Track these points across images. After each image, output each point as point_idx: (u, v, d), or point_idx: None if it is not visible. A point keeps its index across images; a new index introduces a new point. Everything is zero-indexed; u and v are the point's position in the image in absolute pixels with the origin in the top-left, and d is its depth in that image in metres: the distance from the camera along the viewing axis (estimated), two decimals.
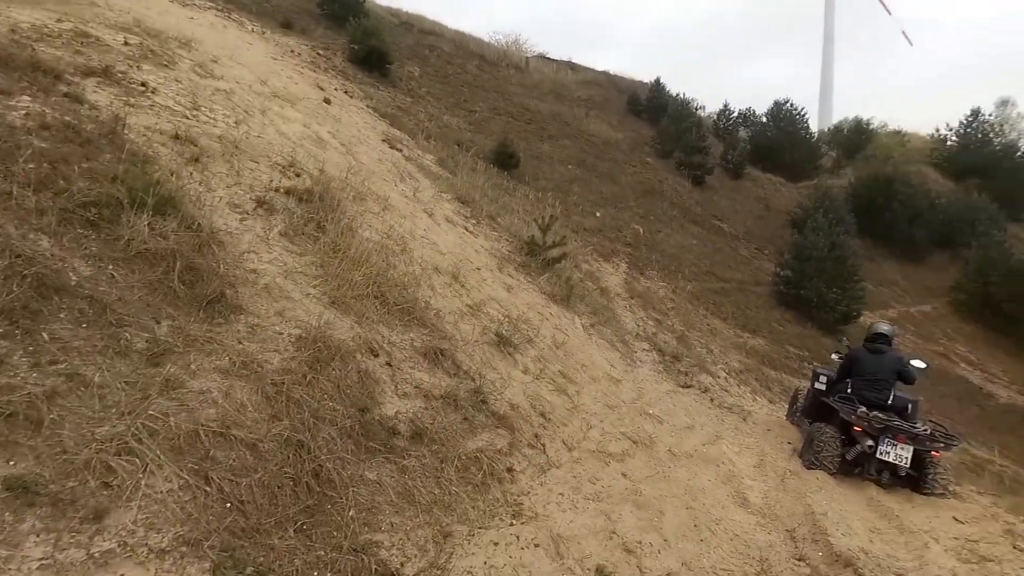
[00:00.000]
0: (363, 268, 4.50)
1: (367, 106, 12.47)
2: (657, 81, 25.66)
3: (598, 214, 14.82)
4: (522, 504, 3.91)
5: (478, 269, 6.68)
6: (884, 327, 6.38)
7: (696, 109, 26.14)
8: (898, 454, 5.36)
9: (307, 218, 4.58)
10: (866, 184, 20.45)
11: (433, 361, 4.58)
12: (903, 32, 41.81)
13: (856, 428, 5.57)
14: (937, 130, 27.96)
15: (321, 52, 15.12)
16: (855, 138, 27.71)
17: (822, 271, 14.16)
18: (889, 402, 5.95)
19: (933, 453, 5.45)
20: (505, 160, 14.51)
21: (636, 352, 8.38)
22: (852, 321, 14.31)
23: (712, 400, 7.75)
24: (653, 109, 24.30)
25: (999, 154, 25.40)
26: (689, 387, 7.94)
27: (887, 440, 5.41)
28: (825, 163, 25.31)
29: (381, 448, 3.60)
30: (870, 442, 5.44)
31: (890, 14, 39.77)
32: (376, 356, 4.10)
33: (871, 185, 20.21)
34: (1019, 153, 26.05)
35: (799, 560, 4.22)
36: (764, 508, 4.83)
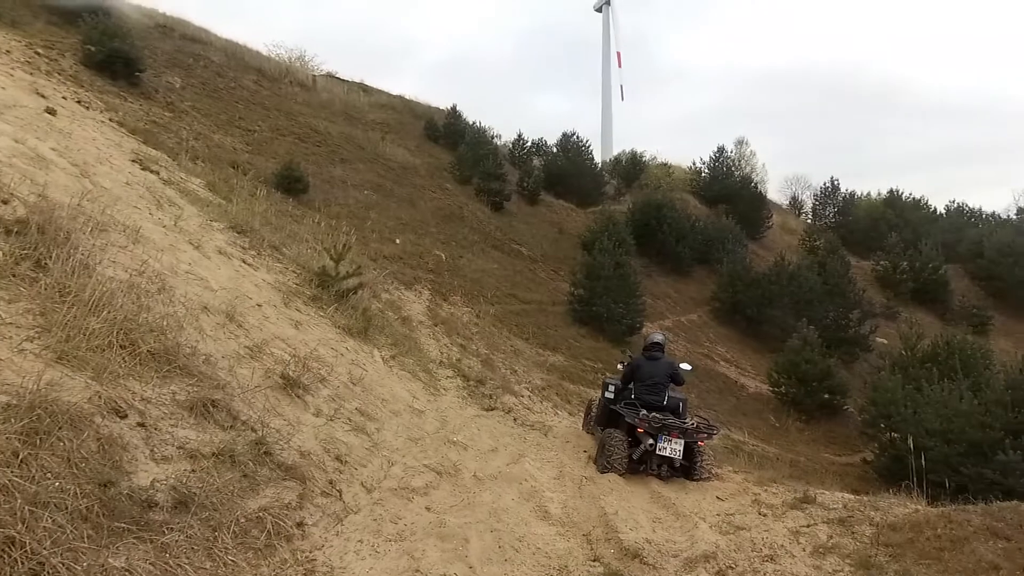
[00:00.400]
0: (103, 313, 3.79)
1: (110, 120, 10.84)
2: (454, 108, 26.21)
3: (398, 241, 14.60)
4: (315, 560, 3.54)
5: (259, 306, 6.09)
6: (658, 336, 6.99)
7: (492, 137, 27.15)
8: (673, 448, 5.87)
9: (19, 255, 3.75)
10: (641, 209, 22.72)
11: (202, 415, 4.00)
12: (620, 87, 47.02)
13: (639, 429, 5.98)
14: (693, 163, 32.32)
15: (41, 51, 12.87)
16: (632, 169, 30.75)
17: (610, 288, 15.34)
18: (664, 403, 6.53)
19: (699, 443, 6.07)
20: (291, 184, 13.72)
21: (440, 380, 8.27)
22: (636, 332, 15.68)
23: (516, 420, 7.88)
24: (451, 135, 24.74)
25: (738, 184, 29.89)
26: (494, 409, 8.01)
27: (663, 437, 5.89)
28: (608, 190, 27.68)
29: (132, 527, 3.00)
30: (651, 440, 5.87)
31: (620, 67, 44.64)
32: (123, 417, 3.46)
33: (645, 210, 22.49)
34: (752, 184, 30.97)
35: (594, 560, 4.39)
36: (563, 517, 4.97)
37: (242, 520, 3.43)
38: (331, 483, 4.30)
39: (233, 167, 12.16)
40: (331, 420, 5.06)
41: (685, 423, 6.21)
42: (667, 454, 5.86)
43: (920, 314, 22.56)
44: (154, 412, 3.65)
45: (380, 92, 26.71)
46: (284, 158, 15.13)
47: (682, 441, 5.88)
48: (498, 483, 5.38)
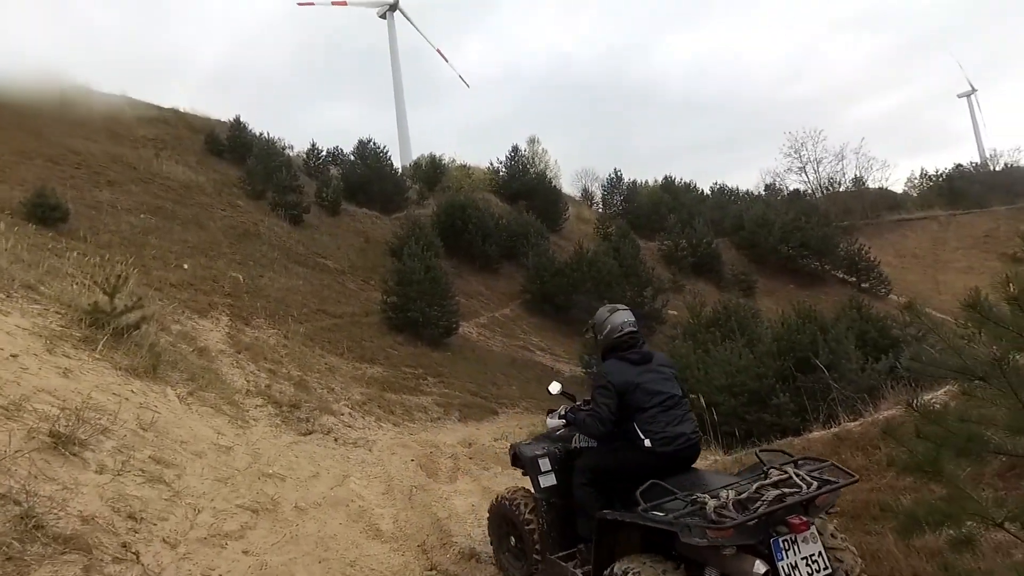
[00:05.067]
0: None
1: None
2: (238, 120, 24.42)
3: (186, 266, 13.29)
4: None
5: (13, 356, 5.21)
6: (628, 315, 4.37)
7: (284, 148, 25.83)
8: (811, 560, 4.94)
9: None
10: (446, 211, 23.06)
11: None
12: (460, 76, 49.10)
13: (724, 551, 4.99)
14: (491, 163, 33.47)
15: None
16: (432, 172, 30.97)
17: (422, 292, 15.38)
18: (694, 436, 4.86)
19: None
20: (46, 213, 11.88)
21: (248, 411, 7.70)
22: (454, 333, 15.93)
23: (336, 440, 7.63)
24: (236, 148, 23.04)
25: (535, 181, 31.59)
26: (312, 433, 7.66)
27: (784, 539, 4.56)
28: (411, 195, 27.59)
29: None
30: (763, 568, 5.17)
31: (447, 61, 46.06)
32: None
33: (450, 212, 22.87)
34: (547, 179, 33.00)
35: (431, 570, 4.44)
36: (396, 532, 4.95)
37: None
38: (124, 546, 3.83)
39: None
40: (119, 475, 4.49)
41: (804, 487, 3.09)
42: None
43: (701, 284, 25.68)
44: None
45: (148, 106, 24.04)
46: (33, 184, 13.02)
47: (819, 538, 3.07)
48: (323, 510, 5.19)
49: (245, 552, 4.23)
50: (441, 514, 5.18)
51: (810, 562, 2.97)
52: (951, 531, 3.50)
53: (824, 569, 3.00)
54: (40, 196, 12.20)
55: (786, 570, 2.90)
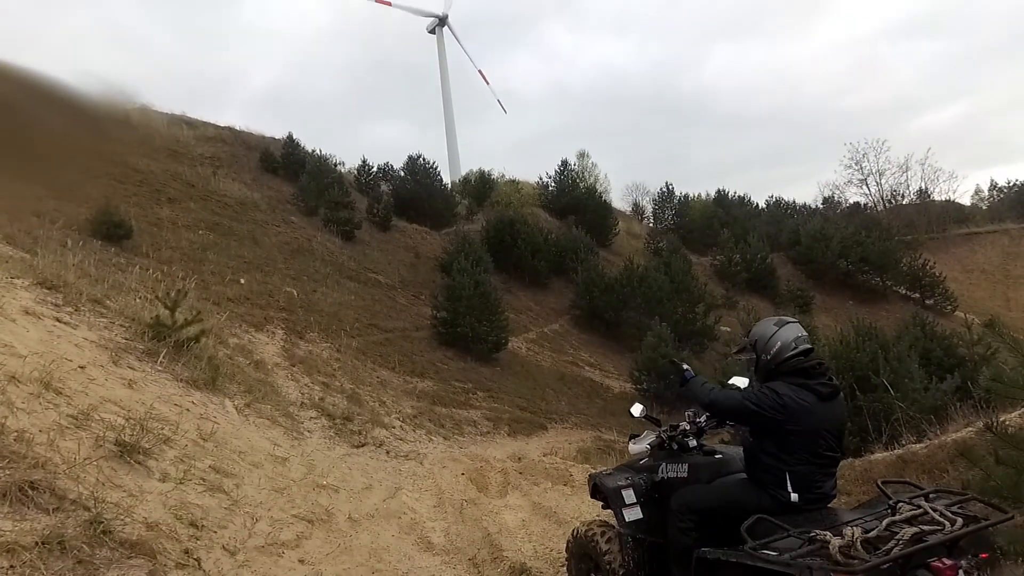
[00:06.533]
0: None
1: None
2: (290, 137, 25.11)
3: (243, 281, 13.70)
4: None
5: (82, 368, 5.41)
6: (799, 329, 3.86)
7: (335, 165, 26.38)
8: None
9: None
10: (495, 227, 23.24)
11: (18, 500, 3.47)
12: (499, 101, 50.34)
13: None
14: (540, 178, 33.51)
15: None
16: (481, 188, 31.24)
17: (472, 308, 15.46)
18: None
19: None
20: (111, 231, 12.43)
21: (303, 423, 7.82)
22: (503, 348, 15.92)
23: (388, 452, 7.67)
24: (290, 166, 23.71)
25: (584, 195, 31.45)
26: (364, 445, 7.73)
27: None
28: (461, 211, 27.88)
29: None
30: None
31: (488, 84, 46.92)
32: None
33: (499, 227, 23.04)
34: (597, 193, 32.81)
35: None
36: (447, 545, 4.92)
37: None
38: (187, 552, 3.89)
39: (37, 216, 10.73)
40: (181, 483, 4.59)
41: (948, 524, 2.64)
42: None
43: (755, 300, 25.02)
44: None
45: (206, 124, 24.99)
46: (98, 202, 13.65)
47: None
48: (375, 522, 5.19)
49: (301, 561, 4.26)
50: (492, 528, 5.13)
51: None
52: None
53: None
54: (104, 214, 12.77)
55: None
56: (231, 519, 4.55)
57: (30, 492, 3.55)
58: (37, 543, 3.24)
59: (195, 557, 3.89)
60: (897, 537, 2.53)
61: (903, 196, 40.37)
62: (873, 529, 2.61)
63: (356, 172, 27.59)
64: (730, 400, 3.23)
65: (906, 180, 40.40)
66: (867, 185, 41.01)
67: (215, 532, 4.28)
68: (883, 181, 40.56)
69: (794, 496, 3.05)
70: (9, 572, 2.97)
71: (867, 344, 9.51)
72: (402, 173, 28.06)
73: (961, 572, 2.52)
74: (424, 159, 27.85)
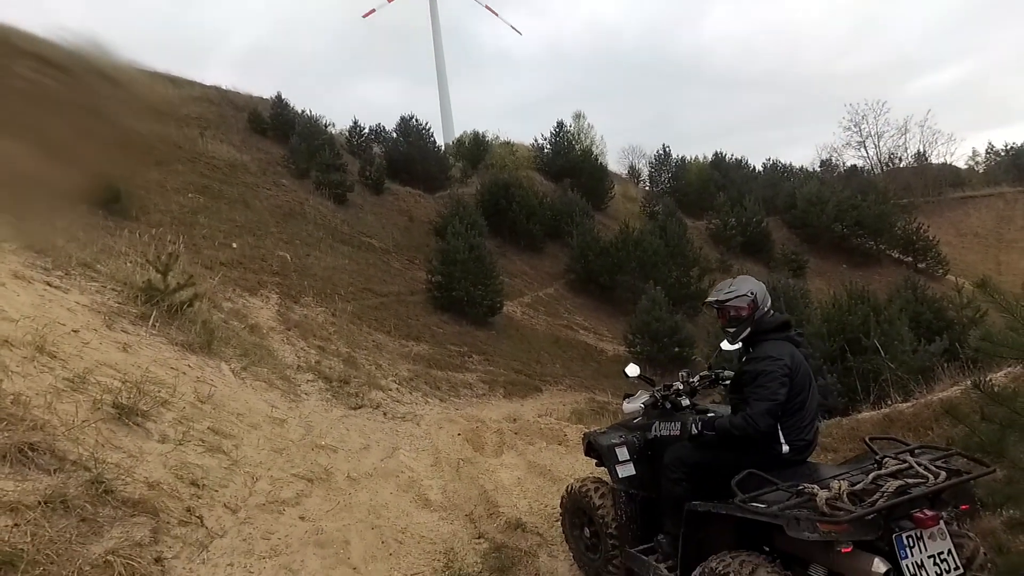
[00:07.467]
0: None
1: None
2: (279, 97, 24.31)
3: (235, 245, 13.60)
4: None
5: (75, 332, 5.40)
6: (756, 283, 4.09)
7: (326, 126, 25.74)
8: (940, 559, 4.07)
9: None
10: (489, 190, 22.94)
11: (19, 462, 3.51)
12: (512, 26, 47.63)
13: (844, 549, 4.77)
14: (535, 140, 32.90)
15: None
16: (475, 150, 30.68)
17: (467, 272, 15.40)
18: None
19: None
20: (99, 194, 12.21)
21: (300, 385, 7.87)
22: (498, 312, 15.94)
23: (385, 414, 7.74)
24: (279, 127, 23.08)
25: (580, 158, 30.91)
26: (361, 407, 7.79)
27: (907, 535, 3.54)
28: (455, 174, 27.39)
29: None
30: (882, 565, 4.97)
31: (497, 15, 45.02)
32: None
33: (493, 190, 22.75)
34: (593, 156, 32.22)
35: (479, 538, 4.49)
36: (444, 502, 5.02)
37: (86, 569, 3.08)
38: (189, 510, 3.95)
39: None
40: (180, 444, 4.64)
41: (931, 477, 2.74)
42: None
43: (749, 264, 25.08)
44: None
45: (192, 84, 24.28)
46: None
47: (948, 535, 2.73)
48: (374, 480, 5.28)
49: (302, 518, 4.34)
50: (488, 486, 5.23)
51: (938, 560, 2.62)
52: (1011, 512, 3.32)
53: (955, 568, 2.64)
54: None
55: (911, 569, 2.56)
56: (231, 478, 4.61)
57: (30, 453, 3.58)
58: (40, 502, 3.29)
59: (197, 515, 3.95)
60: (882, 490, 2.62)
61: (900, 159, 40.26)
62: (859, 483, 2.69)
63: (347, 134, 26.99)
64: (762, 402, 3.15)
65: (904, 142, 40.26)
66: (865, 147, 40.86)
67: (216, 491, 4.34)
68: (881, 144, 40.41)
69: (786, 448, 3.17)
70: (13, 530, 3.02)
71: (859, 307, 9.60)
72: (394, 135, 27.47)
73: (942, 522, 2.66)
74: (417, 120, 27.20)
